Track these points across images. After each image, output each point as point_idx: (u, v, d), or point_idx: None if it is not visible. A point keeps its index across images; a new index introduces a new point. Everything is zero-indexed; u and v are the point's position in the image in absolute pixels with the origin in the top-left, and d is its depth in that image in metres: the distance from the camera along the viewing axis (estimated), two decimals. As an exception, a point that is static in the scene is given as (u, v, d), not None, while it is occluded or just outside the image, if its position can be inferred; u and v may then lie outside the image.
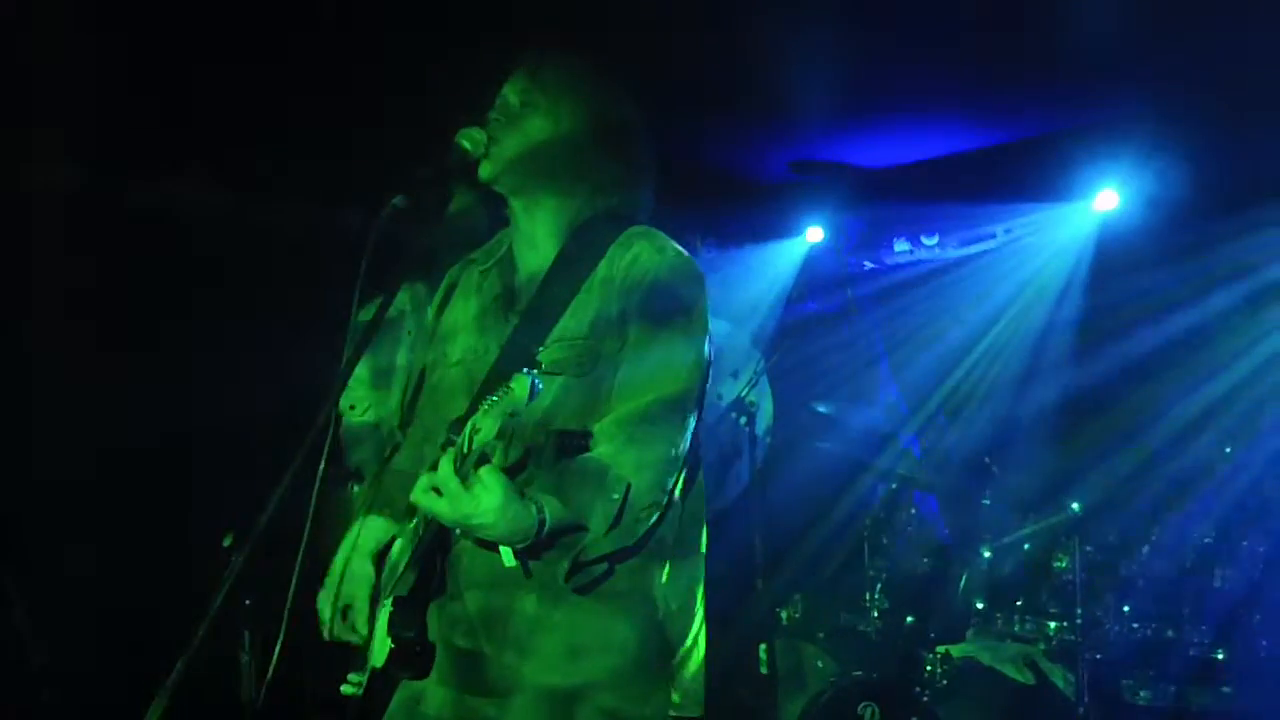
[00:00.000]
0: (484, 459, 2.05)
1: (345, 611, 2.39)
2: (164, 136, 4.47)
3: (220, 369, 4.33)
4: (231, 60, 4.25)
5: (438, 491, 2.04)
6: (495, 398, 1.99)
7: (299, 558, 2.02)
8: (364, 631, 2.37)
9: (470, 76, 2.47)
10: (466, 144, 2.36)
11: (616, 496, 2.13)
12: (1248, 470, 4.72)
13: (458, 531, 2.25)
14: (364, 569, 2.42)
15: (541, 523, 2.08)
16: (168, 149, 4.52)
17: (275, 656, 2.07)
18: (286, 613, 2.04)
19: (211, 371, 4.37)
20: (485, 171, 2.37)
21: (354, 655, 2.39)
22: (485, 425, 2.00)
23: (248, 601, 2.51)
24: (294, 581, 2.03)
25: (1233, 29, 4.49)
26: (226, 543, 2.33)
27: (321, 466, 2.07)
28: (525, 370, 1.99)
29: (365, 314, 2.63)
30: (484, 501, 2.01)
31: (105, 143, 4.35)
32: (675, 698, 2.32)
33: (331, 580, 2.43)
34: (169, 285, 4.60)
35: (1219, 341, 5.35)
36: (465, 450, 2.03)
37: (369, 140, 4.04)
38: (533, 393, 1.98)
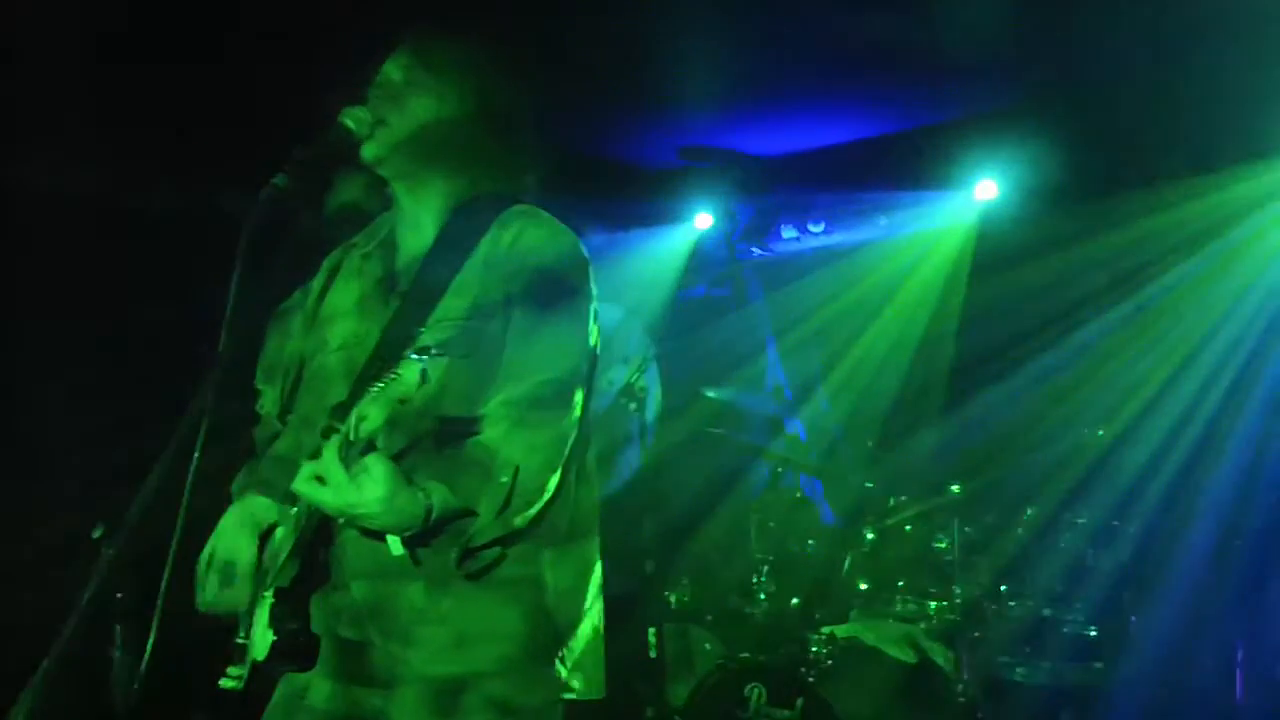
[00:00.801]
0: (370, 447, 2.00)
1: (226, 579, 2.30)
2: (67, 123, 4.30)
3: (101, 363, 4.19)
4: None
5: (321, 480, 1.99)
6: (382, 384, 1.94)
7: (172, 550, 1.96)
8: (244, 598, 2.29)
9: (355, 55, 2.41)
10: (350, 123, 2.30)
11: (505, 480, 2.10)
12: (1118, 452, 4.89)
13: (339, 525, 2.21)
14: (246, 539, 2.33)
15: (429, 510, 2.04)
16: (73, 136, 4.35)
17: (149, 651, 2.00)
18: (159, 606, 1.98)
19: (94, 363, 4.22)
20: (369, 152, 2.32)
21: (233, 648, 2.32)
22: (372, 413, 1.95)
23: (119, 595, 2.41)
24: (167, 574, 1.96)
25: (1101, 20, 4.62)
26: (96, 535, 2.24)
27: (195, 456, 2.01)
28: (414, 355, 1.94)
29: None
30: (369, 491, 1.97)
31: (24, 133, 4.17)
32: (575, 683, 2.30)
33: (209, 549, 2.34)
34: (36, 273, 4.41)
35: (1094, 325, 5.52)
36: (351, 438, 1.97)
37: (254, 121, 3.93)
38: (423, 379, 1.94)
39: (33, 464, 4.21)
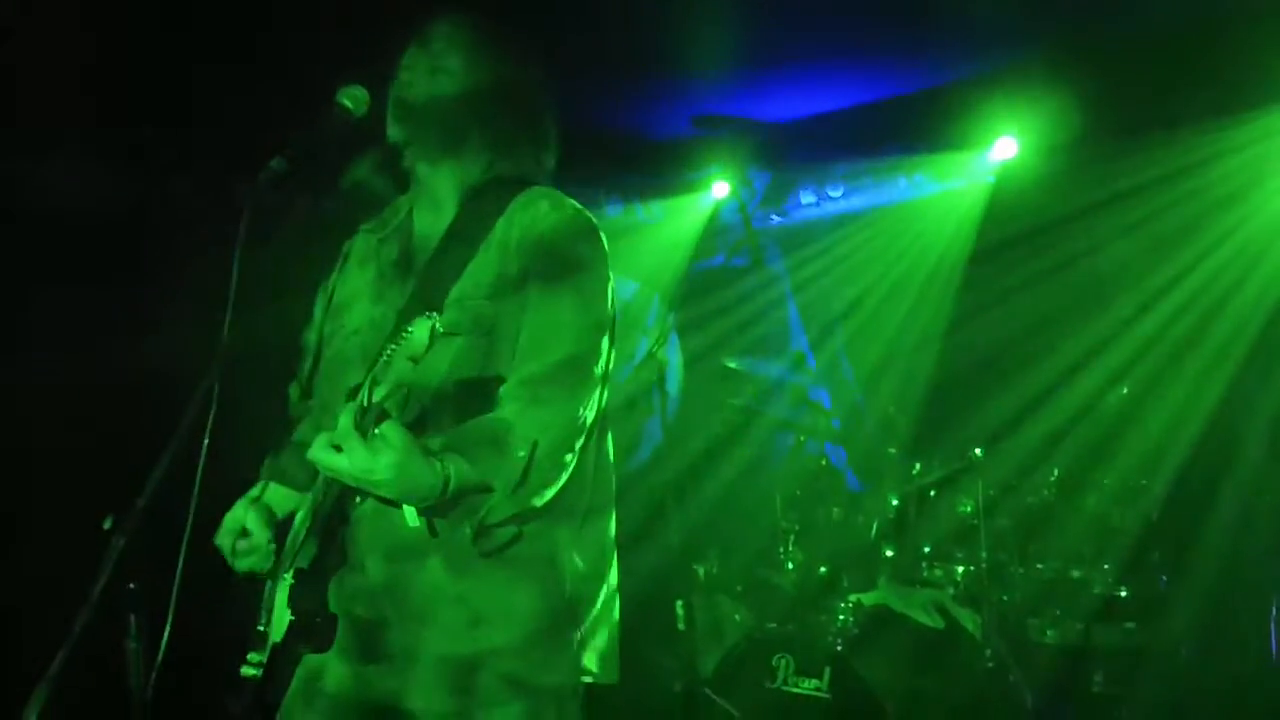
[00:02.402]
0: (384, 414, 1.99)
1: (242, 538, 2.33)
2: (41, 105, 4.30)
3: (102, 345, 4.18)
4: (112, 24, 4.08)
5: (337, 448, 1.98)
6: (395, 345, 1.93)
7: (185, 539, 1.96)
8: (267, 557, 2.31)
9: (367, 35, 2.40)
10: (348, 102, 2.31)
11: (522, 454, 2.10)
12: (1143, 411, 4.84)
13: (358, 500, 2.20)
14: (256, 512, 2.35)
15: (446, 481, 2.03)
16: (46, 118, 4.34)
17: (164, 641, 2.01)
18: (174, 597, 1.98)
19: (91, 348, 4.21)
20: (394, 134, 2.33)
21: (254, 636, 2.32)
22: (386, 376, 1.95)
23: (133, 585, 2.40)
24: (181, 564, 1.96)
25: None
26: (106, 525, 2.22)
27: (205, 442, 2.01)
28: (426, 314, 1.94)
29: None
30: (384, 457, 1.96)
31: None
32: (591, 665, 2.30)
33: (229, 520, 2.37)
34: (43, 257, 4.41)
35: (1114, 284, 5.46)
36: (365, 404, 1.97)
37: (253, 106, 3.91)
38: (433, 336, 1.93)
39: (37, 453, 4.22)
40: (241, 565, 2.35)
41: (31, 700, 1.84)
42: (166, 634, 2.02)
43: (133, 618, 2.47)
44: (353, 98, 2.29)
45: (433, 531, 2.12)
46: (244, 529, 2.33)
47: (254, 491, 2.41)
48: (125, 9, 3.99)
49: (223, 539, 2.36)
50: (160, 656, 2.02)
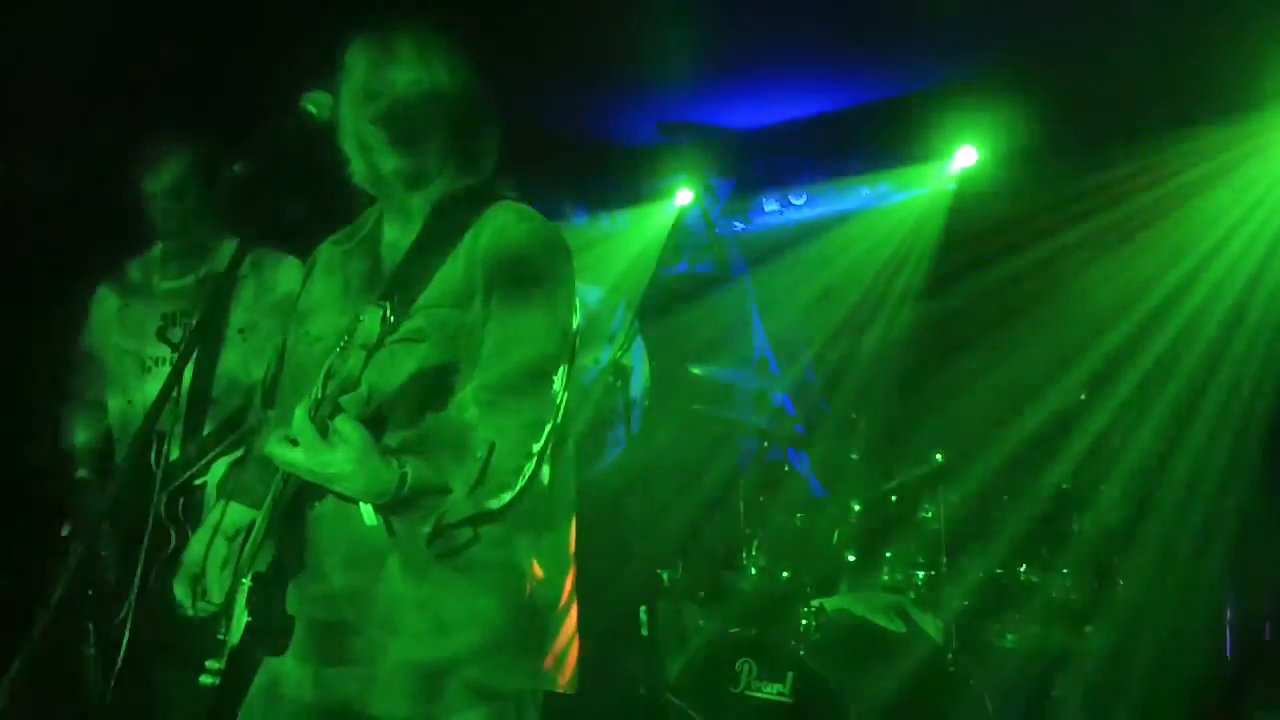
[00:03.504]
0: (337, 407, 2.00)
1: (200, 587, 2.34)
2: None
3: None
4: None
5: (293, 443, 1.99)
6: (348, 336, 1.95)
7: (144, 547, 1.95)
8: (219, 599, 2.32)
9: (313, 44, 2.38)
10: (311, 108, 2.31)
11: (480, 455, 2.11)
12: (1101, 417, 4.89)
13: (315, 503, 2.19)
14: (219, 548, 2.38)
15: (403, 478, 2.05)
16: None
17: (123, 648, 1.99)
18: (132, 603, 1.97)
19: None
20: (391, 164, 2.29)
21: (214, 644, 2.31)
22: (341, 368, 1.96)
23: (90, 592, 2.36)
24: (139, 571, 1.95)
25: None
26: (65, 532, 2.19)
27: (166, 448, 2.01)
28: (377, 302, 1.95)
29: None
30: (341, 451, 1.97)
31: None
32: (550, 675, 2.30)
33: (188, 561, 2.37)
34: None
35: (1074, 291, 5.51)
36: (320, 395, 1.98)
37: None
38: (384, 323, 1.94)
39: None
40: (197, 612, 2.35)
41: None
42: (125, 641, 2.01)
43: (90, 625, 2.45)
44: (316, 103, 2.29)
45: (390, 530, 2.13)
46: (202, 583, 2.33)
47: (213, 516, 2.40)
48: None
49: (181, 585, 2.35)
50: (120, 663, 2.00)
